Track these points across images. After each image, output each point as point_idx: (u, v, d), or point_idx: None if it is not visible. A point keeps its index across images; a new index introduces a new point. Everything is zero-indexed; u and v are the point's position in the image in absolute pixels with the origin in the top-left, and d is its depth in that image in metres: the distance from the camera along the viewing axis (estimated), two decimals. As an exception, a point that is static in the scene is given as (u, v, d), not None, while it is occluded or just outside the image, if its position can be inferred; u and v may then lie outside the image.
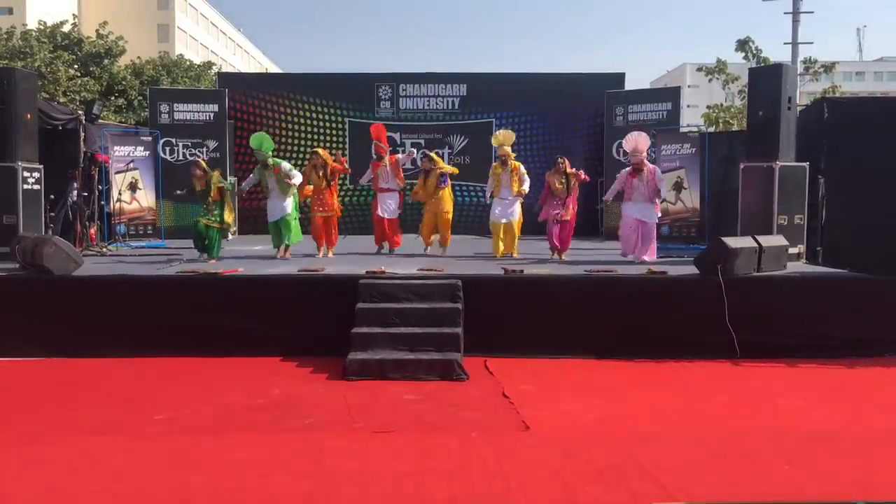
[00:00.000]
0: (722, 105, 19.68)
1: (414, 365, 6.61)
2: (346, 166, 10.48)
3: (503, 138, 10.12)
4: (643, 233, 9.30)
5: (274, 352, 7.31)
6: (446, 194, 10.26)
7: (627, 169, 9.47)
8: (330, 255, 10.12)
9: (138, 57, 29.02)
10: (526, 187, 10.02)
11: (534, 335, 7.47)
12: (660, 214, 9.61)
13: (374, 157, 10.56)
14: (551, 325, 7.52)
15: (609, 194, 9.75)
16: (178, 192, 10.44)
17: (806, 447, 4.95)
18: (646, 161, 9.35)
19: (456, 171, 10.71)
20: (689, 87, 69.21)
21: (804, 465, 4.62)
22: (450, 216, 10.30)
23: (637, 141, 9.40)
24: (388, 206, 10.37)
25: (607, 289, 7.76)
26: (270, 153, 9.83)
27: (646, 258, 9.22)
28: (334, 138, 15.35)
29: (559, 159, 9.85)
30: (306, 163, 10.39)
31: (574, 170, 9.80)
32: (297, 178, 9.77)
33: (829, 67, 19.38)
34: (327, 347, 7.15)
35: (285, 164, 9.86)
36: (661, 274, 7.96)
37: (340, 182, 14.37)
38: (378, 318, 7.14)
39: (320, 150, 10.18)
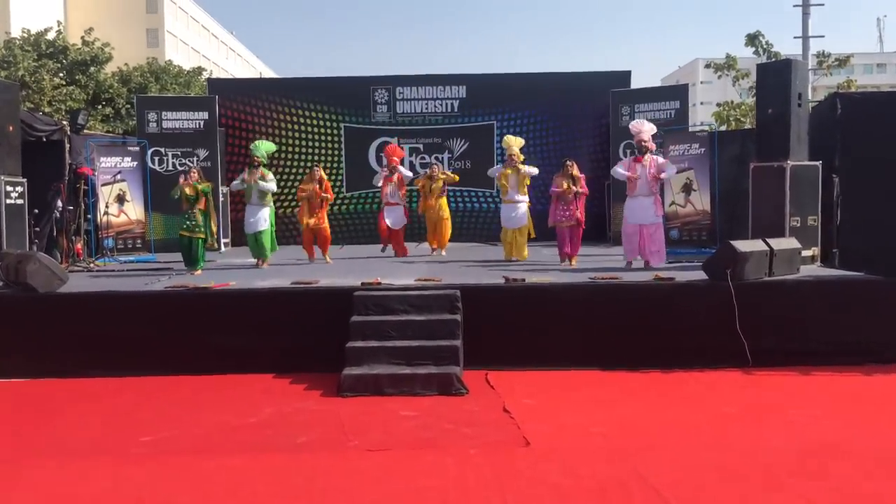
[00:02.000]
0: (732, 102, 19.72)
1: (411, 380, 6.64)
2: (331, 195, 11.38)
3: (512, 141, 10.76)
4: (647, 236, 9.32)
5: (267, 368, 7.36)
6: (443, 201, 11.78)
7: (633, 157, 9.63)
8: (328, 260, 10.87)
9: (125, 64, 29.20)
10: (533, 170, 10.71)
11: (537, 346, 7.49)
12: (662, 212, 9.60)
13: (388, 172, 11.85)
14: (555, 336, 7.55)
15: (619, 174, 9.64)
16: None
17: (818, 459, 4.96)
18: (650, 146, 9.43)
19: (457, 178, 12.14)
20: (701, 83, 69.32)
21: (816, 478, 4.63)
22: (448, 221, 11.89)
23: (641, 123, 9.69)
24: (394, 218, 11.74)
25: (612, 297, 7.79)
26: (265, 157, 10.47)
27: (653, 263, 9.24)
28: (330, 144, 15.42)
29: (567, 162, 10.05)
30: (305, 174, 11.46)
31: (582, 175, 10.02)
32: (272, 185, 10.39)
33: (843, 61, 19.43)
34: (322, 362, 7.18)
35: (269, 174, 10.47)
36: (669, 280, 7.99)
37: (337, 192, 14.73)
38: (374, 331, 7.18)
39: (320, 168, 11.17)
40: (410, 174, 12.22)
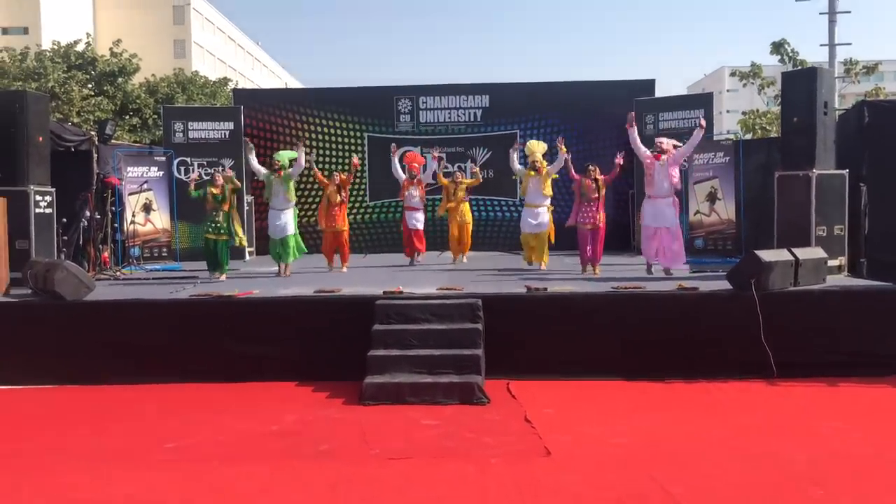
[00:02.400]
0: (758, 111, 19.59)
1: (432, 389, 6.67)
2: (356, 162, 11.75)
3: (535, 147, 10.91)
4: (665, 239, 9.33)
5: (290, 376, 7.44)
6: (466, 206, 11.93)
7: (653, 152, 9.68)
8: (344, 269, 11.05)
9: (153, 74, 29.62)
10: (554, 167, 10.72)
11: (559, 356, 7.49)
12: (678, 212, 9.56)
13: (408, 176, 12.01)
14: (577, 345, 7.54)
15: (635, 142, 9.71)
16: (192, 183, 10.68)
17: (843, 472, 4.91)
18: (665, 147, 9.48)
19: (479, 180, 12.31)
20: (727, 91, 68.82)
21: (840, 491, 4.59)
22: (470, 226, 12.08)
23: (662, 139, 9.86)
24: (416, 220, 11.85)
25: (635, 306, 7.76)
26: (287, 163, 10.57)
27: (671, 267, 9.24)
28: (353, 154, 15.48)
29: (590, 167, 10.24)
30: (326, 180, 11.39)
31: (603, 176, 10.18)
32: (300, 160, 10.53)
33: (871, 68, 19.24)
34: (344, 371, 7.24)
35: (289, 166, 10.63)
36: (692, 290, 7.94)
37: (360, 200, 14.85)
38: (395, 339, 7.22)
39: (340, 174, 11.44)
40: (434, 168, 12.15)
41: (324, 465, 5.17)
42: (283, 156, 10.67)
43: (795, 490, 4.58)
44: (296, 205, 10.78)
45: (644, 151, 9.62)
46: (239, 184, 10.34)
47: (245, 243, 11.80)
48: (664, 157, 9.38)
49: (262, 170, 10.71)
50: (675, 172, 9.44)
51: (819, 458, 5.16)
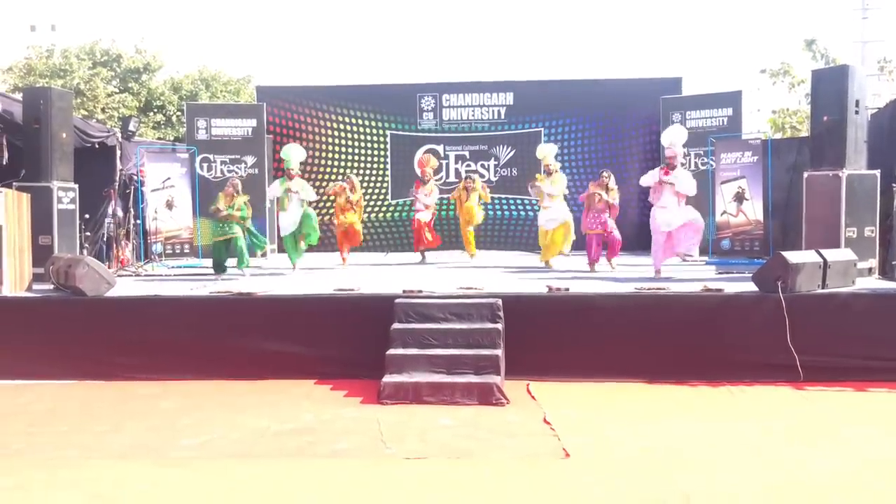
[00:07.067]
0: (788, 109, 19.30)
1: (451, 388, 6.65)
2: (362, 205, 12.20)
3: (546, 150, 11.37)
4: (676, 234, 9.30)
5: (308, 374, 7.46)
6: (476, 207, 12.16)
7: (661, 166, 9.61)
8: (343, 259, 11.75)
9: (177, 71, 29.86)
10: (556, 190, 10.94)
11: (580, 357, 7.43)
12: (688, 212, 9.41)
13: (419, 178, 12.61)
14: (599, 347, 7.48)
15: (644, 180, 9.75)
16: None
17: (872, 480, 4.83)
18: (679, 160, 9.45)
19: (488, 199, 12.70)
20: (758, 89, 68.06)
21: (869, 499, 4.51)
22: (474, 224, 12.31)
23: (673, 133, 9.73)
24: (424, 215, 12.22)
25: (659, 307, 7.67)
26: (298, 166, 11.02)
27: (682, 250, 9.32)
28: (375, 151, 15.52)
29: (604, 174, 10.50)
30: (337, 181, 12.12)
31: (616, 188, 10.47)
32: (312, 194, 11.12)
33: (905, 66, 18.84)
34: (362, 369, 7.27)
35: (304, 184, 11.14)
36: (717, 291, 7.84)
37: (382, 199, 14.93)
38: (414, 338, 7.20)
39: (353, 177, 12.15)
40: (431, 201, 12.35)
41: (340, 463, 5.18)
42: (291, 155, 10.84)
43: (824, 499, 4.50)
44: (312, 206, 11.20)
45: (653, 174, 9.54)
46: (249, 210, 10.44)
47: (270, 251, 12.04)
48: (676, 171, 9.30)
49: (277, 190, 11.06)
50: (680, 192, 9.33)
51: (846, 466, 5.08)
